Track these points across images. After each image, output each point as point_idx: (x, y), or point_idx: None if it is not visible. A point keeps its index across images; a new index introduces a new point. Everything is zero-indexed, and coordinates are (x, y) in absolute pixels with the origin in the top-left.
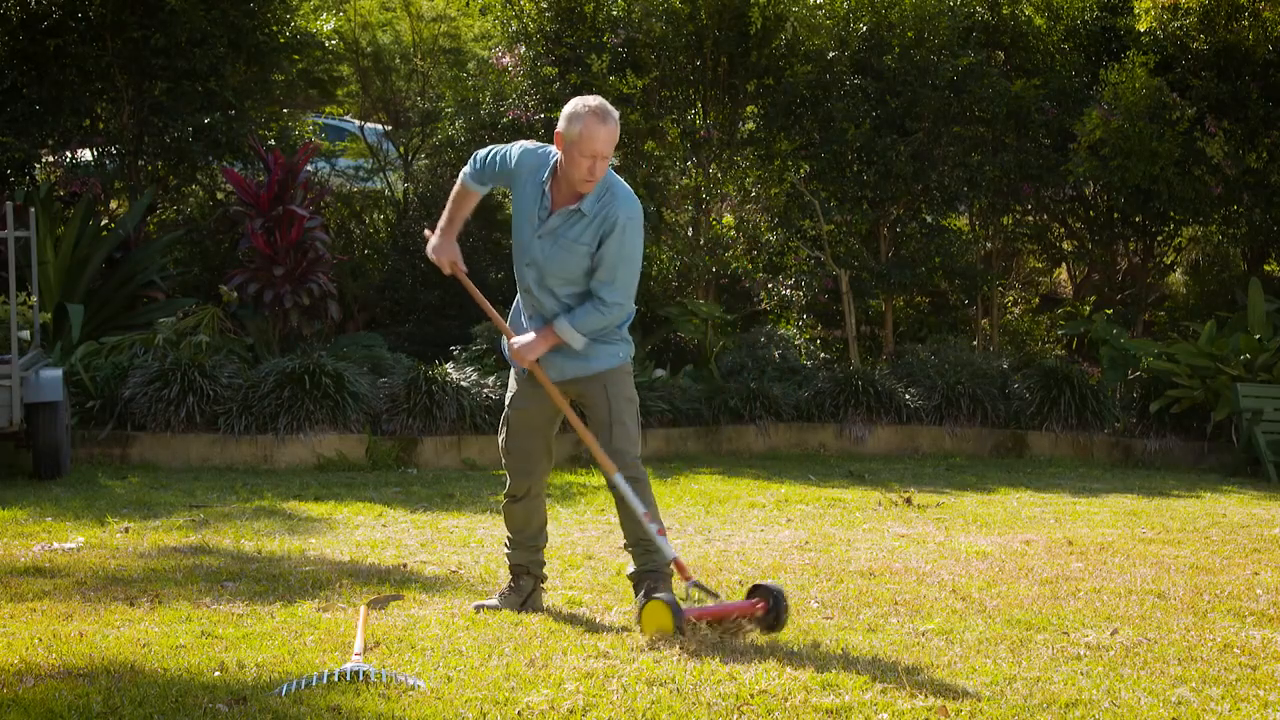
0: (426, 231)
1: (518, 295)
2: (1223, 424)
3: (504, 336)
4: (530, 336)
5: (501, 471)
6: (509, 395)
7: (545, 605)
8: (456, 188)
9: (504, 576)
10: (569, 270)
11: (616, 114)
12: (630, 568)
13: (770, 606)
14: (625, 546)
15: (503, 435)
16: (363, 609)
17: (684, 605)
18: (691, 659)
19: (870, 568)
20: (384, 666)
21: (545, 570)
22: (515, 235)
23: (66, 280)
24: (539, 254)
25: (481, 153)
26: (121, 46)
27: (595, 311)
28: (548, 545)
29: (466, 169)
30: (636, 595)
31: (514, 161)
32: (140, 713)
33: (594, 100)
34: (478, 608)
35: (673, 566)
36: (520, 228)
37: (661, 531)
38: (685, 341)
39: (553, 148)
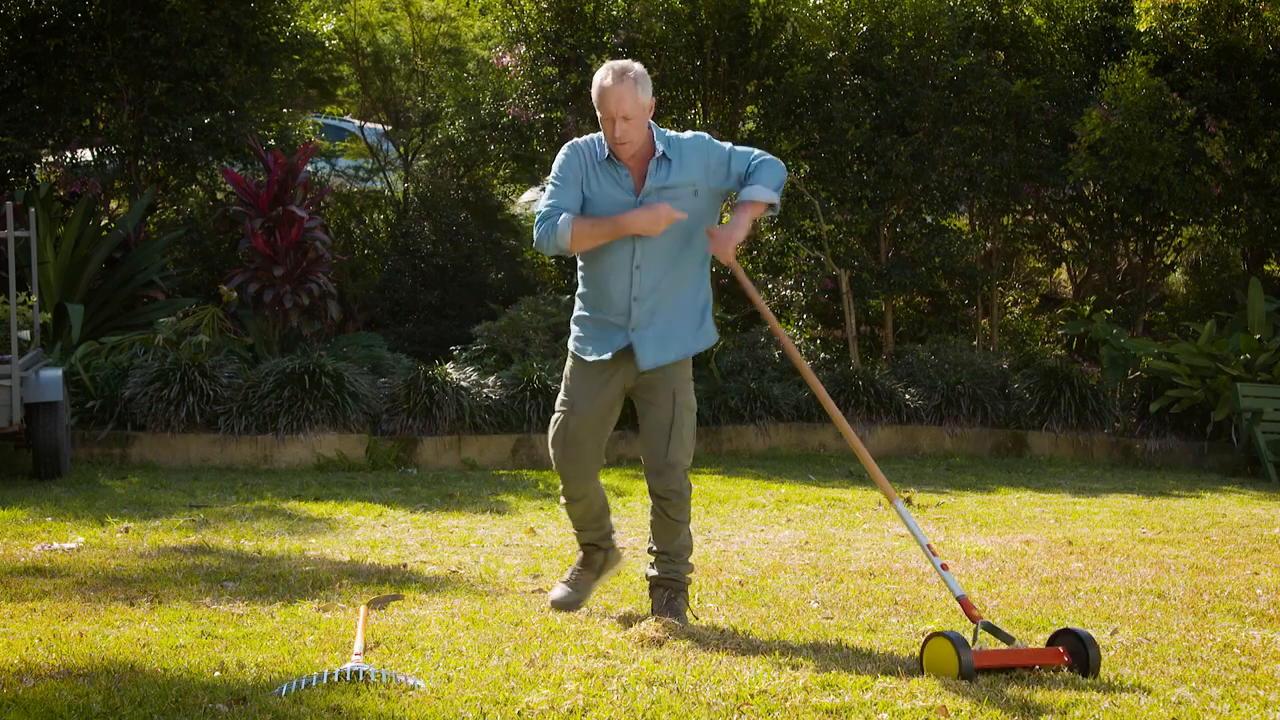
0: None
1: (586, 301)
2: (1223, 424)
3: (577, 329)
4: (729, 225)
5: (501, 472)
6: (569, 396)
7: (543, 607)
8: (570, 233)
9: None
10: (678, 227)
11: (638, 71)
12: (651, 571)
13: (1075, 656)
14: (651, 550)
15: (559, 438)
16: (362, 609)
17: (974, 647)
18: (691, 659)
19: (870, 568)
20: (384, 666)
21: (610, 537)
22: (607, 213)
23: (66, 280)
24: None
25: (544, 203)
26: (121, 46)
27: (768, 166)
28: (542, 546)
29: (550, 218)
30: (654, 605)
31: (569, 163)
32: (140, 713)
33: (612, 62)
34: (555, 602)
35: (960, 605)
36: (615, 207)
37: (945, 567)
38: None
39: (595, 136)
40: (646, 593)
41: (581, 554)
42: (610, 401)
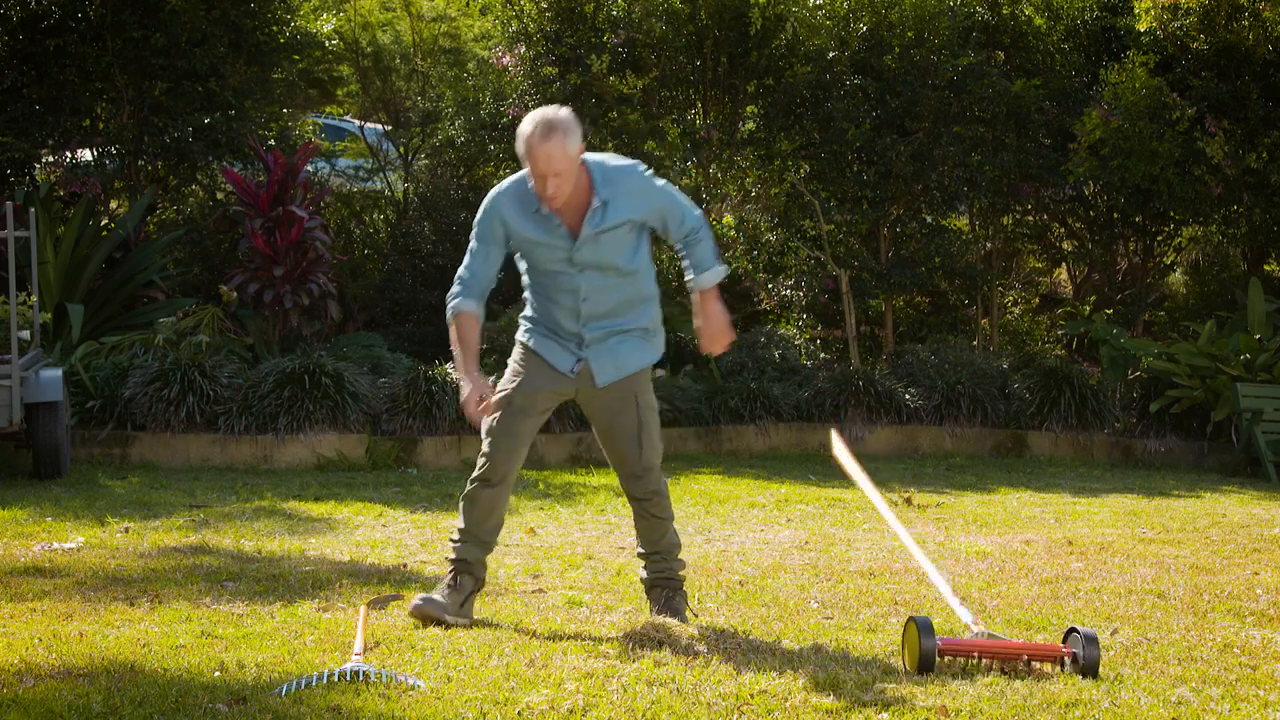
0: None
1: (535, 319)
2: (1223, 424)
3: (527, 338)
4: (707, 318)
5: None
6: (513, 380)
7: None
8: (453, 325)
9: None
10: (620, 257)
11: (565, 122)
12: (642, 573)
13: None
14: (640, 553)
15: (495, 413)
16: (363, 609)
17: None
18: (691, 659)
19: (870, 568)
20: (384, 666)
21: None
22: (545, 264)
23: (66, 280)
24: (589, 257)
25: (463, 269)
26: (121, 46)
27: (700, 240)
28: (542, 546)
29: (456, 295)
30: (653, 607)
31: (492, 213)
32: (140, 713)
33: (539, 115)
34: (424, 600)
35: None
36: (543, 259)
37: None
38: (685, 341)
39: (517, 175)
40: (645, 593)
41: (451, 575)
42: (551, 399)
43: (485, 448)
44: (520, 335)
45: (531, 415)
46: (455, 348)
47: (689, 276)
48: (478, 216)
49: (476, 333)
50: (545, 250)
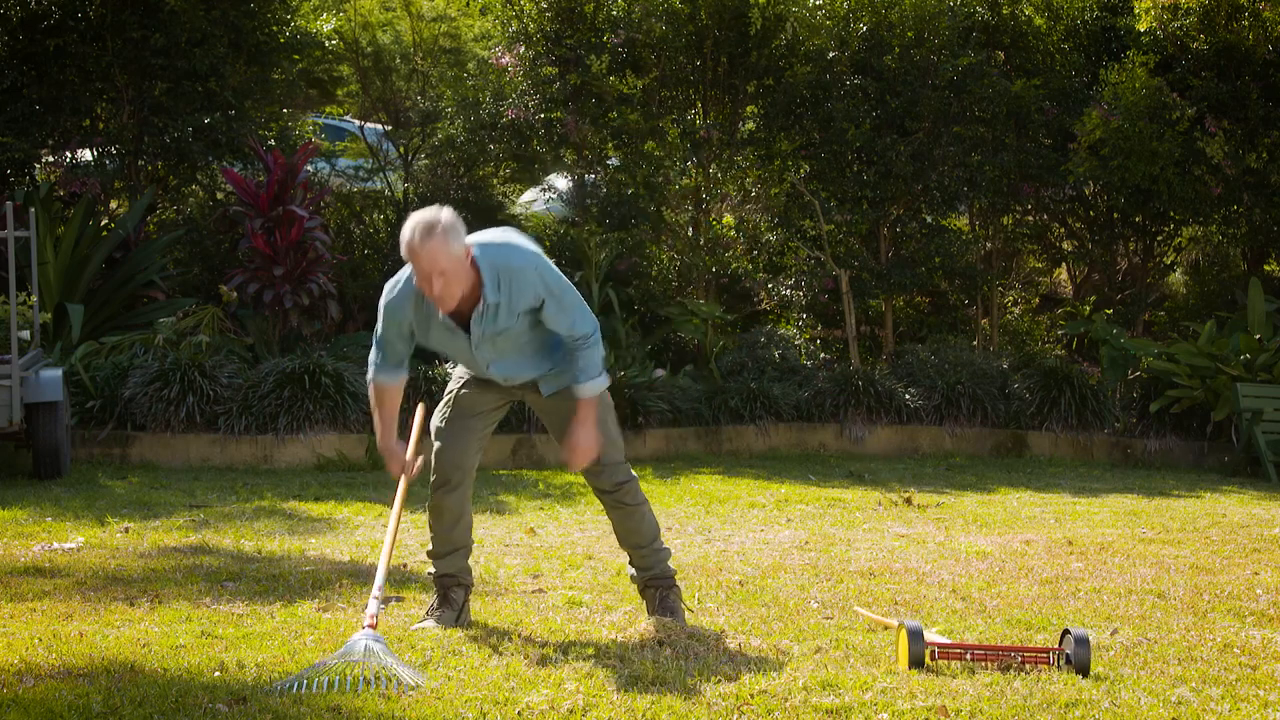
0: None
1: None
2: (1223, 424)
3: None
4: (581, 434)
5: (501, 472)
6: (456, 383)
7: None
8: (371, 395)
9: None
10: (519, 339)
11: (446, 223)
12: (630, 571)
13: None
14: (625, 548)
15: (441, 414)
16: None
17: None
18: (691, 659)
19: (870, 568)
20: (381, 669)
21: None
22: (452, 355)
23: (66, 280)
24: (487, 349)
25: (373, 352)
26: (121, 46)
27: (587, 351)
28: (542, 546)
29: (372, 370)
30: (649, 609)
31: (391, 315)
32: (140, 713)
33: (418, 217)
34: (415, 630)
35: None
36: (450, 346)
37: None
38: (685, 341)
39: (404, 273)
40: (638, 596)
41: (440, 592)
42: (495, 399)
43: (435, 454)
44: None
45: (479, 413)
46: (375, 415)
47: (574, 382)
48: (382, 306)
49: (396, 402)
50: (449, 344)
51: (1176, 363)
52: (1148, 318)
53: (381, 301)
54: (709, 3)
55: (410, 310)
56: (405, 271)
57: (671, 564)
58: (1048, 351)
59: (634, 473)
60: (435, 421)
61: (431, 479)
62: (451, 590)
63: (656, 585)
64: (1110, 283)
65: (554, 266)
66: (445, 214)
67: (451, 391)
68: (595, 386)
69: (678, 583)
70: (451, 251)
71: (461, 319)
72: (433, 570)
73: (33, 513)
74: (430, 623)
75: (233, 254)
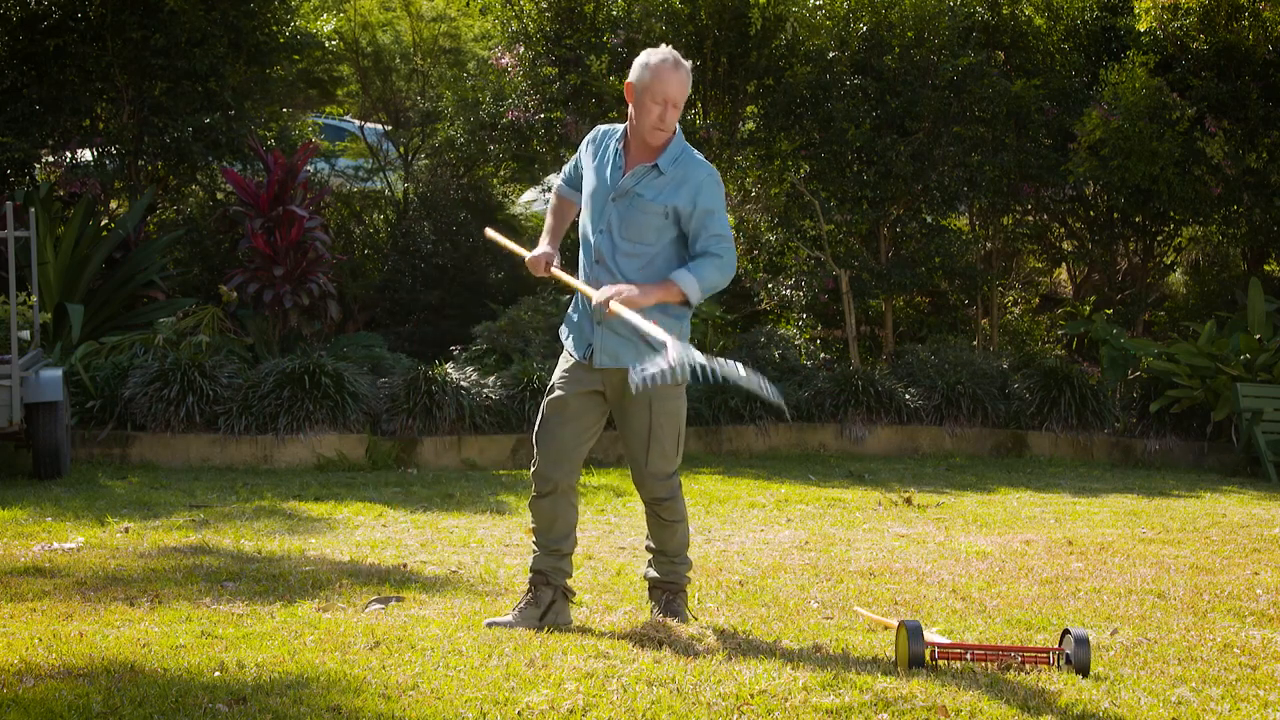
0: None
1: (568, 313)
2: (1223, 424)
3: (579, 299)
4: (641, 285)
5: (502, 472)
6: (553, 380)
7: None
8: (552, 200)
9: (522, 587)
10: (645, 234)
11: (689, 65)
12: (650, 572)
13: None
14: (649, 548)
15: (538, 422)
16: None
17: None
18: (691, 659)
19: (870, 568)
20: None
21: (571, 582)
22: (590, 201)
23: (66, 280)
24: (614, 218)
25: (570, 163)
26: (121, 46)
27: (712, 265)
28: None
29: (558, 179)
30: (653, 608)
31: (584, 141)
32: (140, 713)
33: (665, 49)
34: (490, 625)
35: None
36: (596, 192)
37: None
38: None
39: (622, 126)
40: (646, 593)
41: (530, 589)
42: (587, 392)
43: (534, 463)
44: (561, 333)
45: (569, 421)
46: (547, 219)
47: (677, 268)
48: (588, 136)
49: (568, 217)
50: (597, 182)
51: (1176, 363)
52: (1148, 318)
53: (595, 130)
54: (709, 3)
55: (599, 141)
56: (619, 126)
57: (689, 573)
58: (1048, 351)
59: (669, 494)
60: (535, 432)
61: (532, 486)
62: (540, 588)
63: (665, 588)
64: (1110, 283)
65: (723, 197)
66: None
67: (546, 395)
68: (688, 281)
69: (685, 590)
70: (685, 91)
71: (627, 166)
72: (530, 564)
73: (33, 513)
74: (508, 618)
75: (233, 254)
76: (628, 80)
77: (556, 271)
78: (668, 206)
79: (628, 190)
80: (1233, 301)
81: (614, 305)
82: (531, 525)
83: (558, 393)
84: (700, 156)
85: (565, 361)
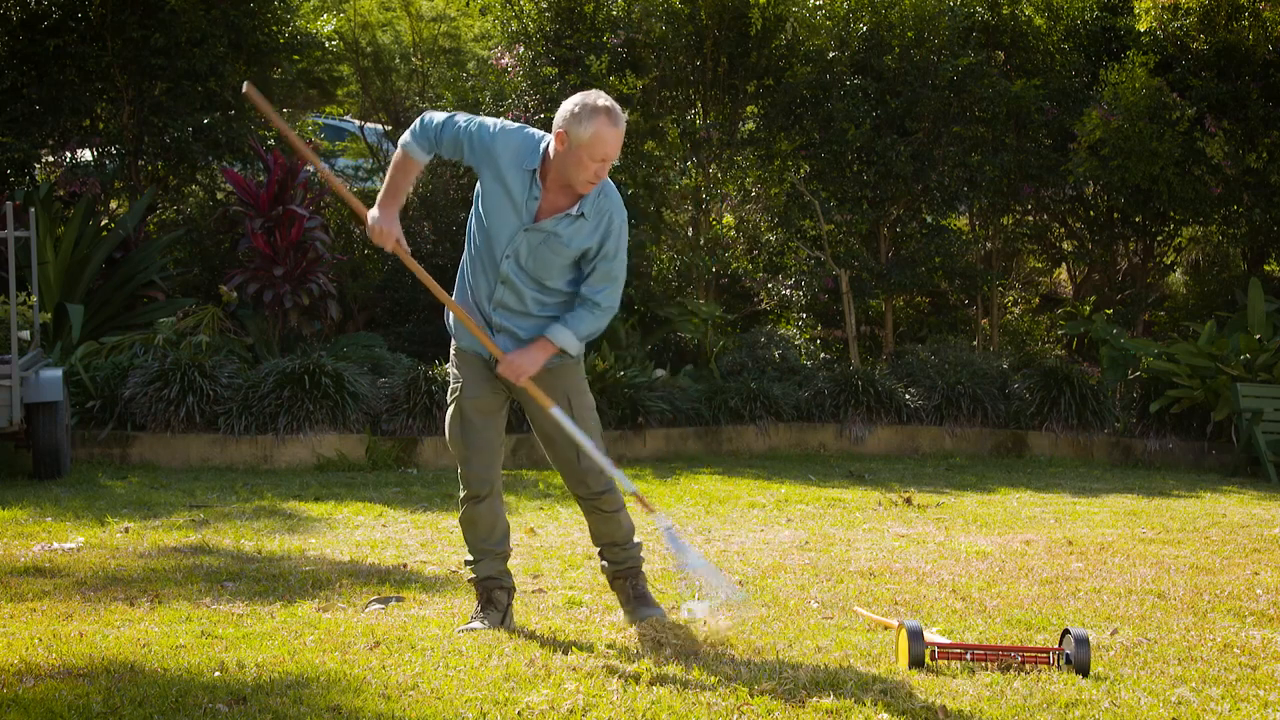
0: (370, 212)
1: (463, 275)
2: (1223, 424)
3: (449, 314)
4: (524, 350)
5: (501, 472)
6: (456, 386)
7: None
8: (398, 155)
9: (523, 587)
10: (551, 270)
11: (624, 114)
12: (602, 564)
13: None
14: (598, 545)
15: (454, 429)
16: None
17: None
18: (691, 659)
19: (870, 568)
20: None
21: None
22: (493, 219)
23: (66, 280)
24: (523, 248)
25: (431, 116)
26: (121, 46)
27: (590, 315)
28: (542, 546)
29: (408, 135)
30: (621, 600)
31: (489, 141)
32: (140, 713)
33: (603, 99)
34: (463, 633)
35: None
36: (503, 215)
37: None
38: (685, 341)
39: (538, 133)
40: (608, 587)
41: (483, 595)
42: (499, 390)
43: (460, 467)
44: (449, 323)
45: (487, 420)
46: (388, 177)
47: (553, 322)
48: (496, 125)
49: (412, 177)
50: (505, 204)
51: (1176, 363)
52: (1148, 318)
53: (496, 123)
54: (709, 3)
55: (510, 155)
56: (525, 131)
57: (642, 554)
58: (1048, 351)
59: (608, 487)
60: (449, 433)
61: (461, 493)
62: (494, 592)
63: (625, 575)
64: (1110, 283)
65: (625, 237)
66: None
67: (454, 394)
68: (566, 338)
69: (643, 571)
70: (621, 144)
71: (546, 200)
72: (473, 576)
73: (33, 513)
74: (478, 624)
75: (233, 254)
76: (557, 127)
77: (408, 258)
78: (581, 249)
79: (546, 230)
80: (1233, 301)
81: (525, 379)
82: (469, 535)
83: (474, 396)
84: (616, 191)
85: (467, 360)
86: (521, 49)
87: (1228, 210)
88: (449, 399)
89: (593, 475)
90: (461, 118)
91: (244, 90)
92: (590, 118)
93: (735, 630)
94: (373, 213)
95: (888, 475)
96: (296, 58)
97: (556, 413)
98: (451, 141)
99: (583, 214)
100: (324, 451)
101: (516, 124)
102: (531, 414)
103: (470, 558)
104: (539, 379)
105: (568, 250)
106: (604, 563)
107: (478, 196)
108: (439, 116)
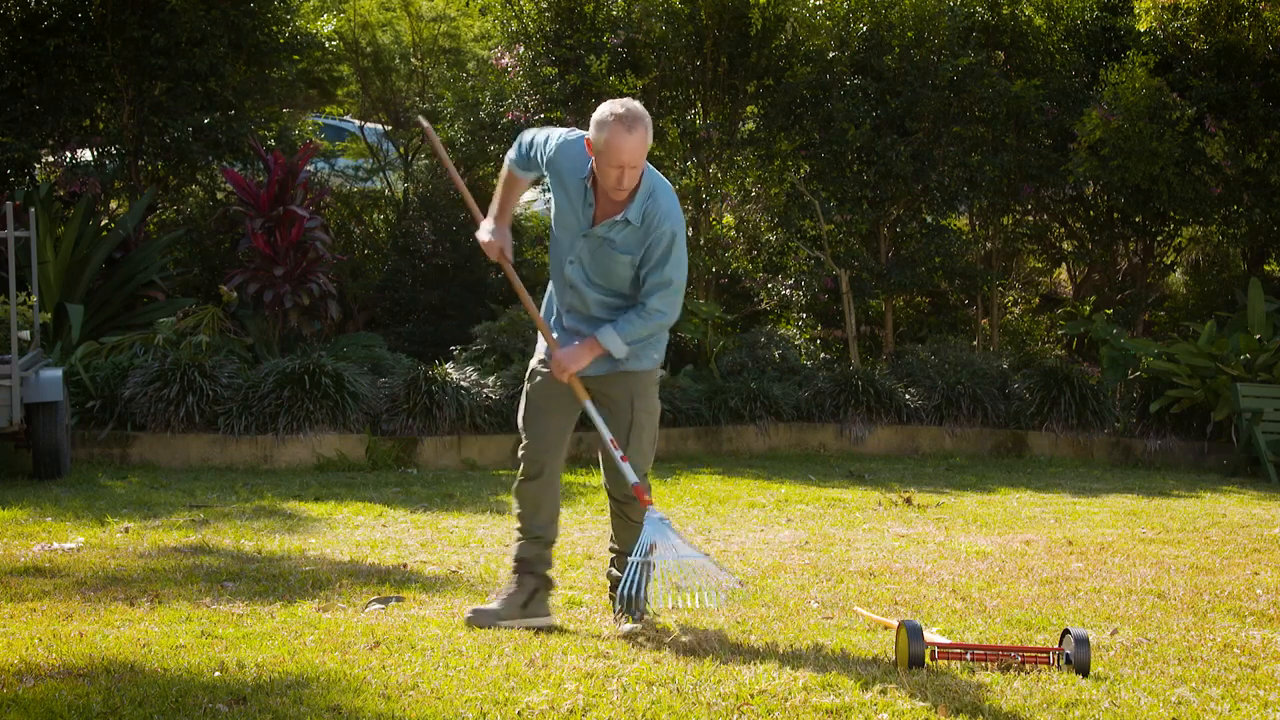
0: (483, 223)
1: (549, 287)
2: (1223, 424)
3: (539, 333)
4: (572, 347)
5: (501, 472)
6: (531, 378)
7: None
8: (504, 173)
9: (504, 576)
10: (612, 275)
11: (648, 118)
12: (614, 572)
13: (1062, 655)
14: (613, 549)
15: (521, 409)
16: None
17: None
18: (691, 659)
19: (870, 568)
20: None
21: (552, 574)
22: (557, 229)
23: (66, 280)
24: (585, 253)
25: (525, 136)
26: (121, 46)
27: (640, 319)
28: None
29: (511, 153)
30: (615, 606)
31: (552, 152)
32: (140, 713)
33: (621, 106)
34: (474, 613)
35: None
36: (566, 222)
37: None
38: (685, 341)
39: (589, 160)
40: (608, 591)
41: (515, 576)
42: (568, 391)
43: (521, 445)
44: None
45: (554, 411)
46: (498, 192)
47: (605, 324)
48: (561, 137)
49: (518, 192)
50: (568, 211)
51: (1176, 363)
52: (1148, 318)
53: (560, 134)
54: (709, 3)
55: (569, 165)
56: (577, 135)
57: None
58: (1048, 351)
59: (649, 485)
60: (519, 413)
61: (519, 469)
62: (524, 576)
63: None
64: (1110, 283)
65: (685, 247)
66: (642, 109)
67: (529, 379)
68: (611, 339)
69: None
70: (643, 151)
71: (600, 206)
72: (513, 552)
73: (33, 513)
74: (493, 605)
75: (233, 254)
76: (587, 135)
77: (510, 270)
78: (635, 256)
79: (600, 236)
80: (1233, 301)
81: (570, 375)
82: (516, 511)
83: (543, 377)
84: (670, 199)
85: (546, 349)
86: (521, 49)
87: (1228, 210)
88: (526, 379)
89: (626, 481)
90: (539, 135)
91: (421, 124)
92: (605, 126)
93: (729, 618)
94: (485, 223)
95: (888, 475)
96: (296, 58)
97: (588, 406)
98: (535, 155)
99: (628, 220)
100: (324, 451)
101: (579, 134)
102: (600, 401)
103: (516, 533)
104: (610, 377)
105: (622, 256)
106: (612, 570)
107: (552, 205)
108: (527, 136)
